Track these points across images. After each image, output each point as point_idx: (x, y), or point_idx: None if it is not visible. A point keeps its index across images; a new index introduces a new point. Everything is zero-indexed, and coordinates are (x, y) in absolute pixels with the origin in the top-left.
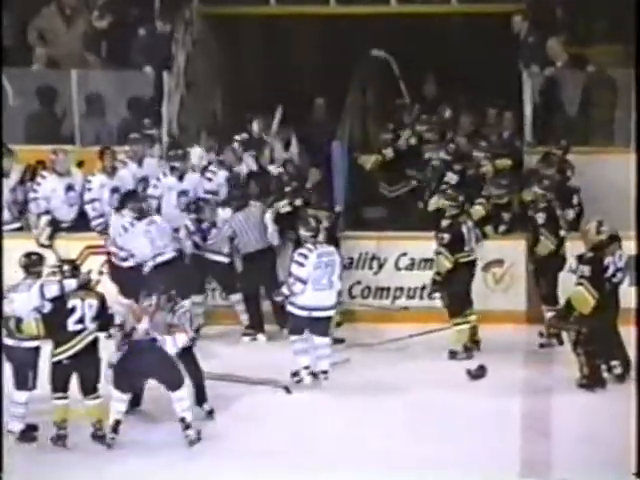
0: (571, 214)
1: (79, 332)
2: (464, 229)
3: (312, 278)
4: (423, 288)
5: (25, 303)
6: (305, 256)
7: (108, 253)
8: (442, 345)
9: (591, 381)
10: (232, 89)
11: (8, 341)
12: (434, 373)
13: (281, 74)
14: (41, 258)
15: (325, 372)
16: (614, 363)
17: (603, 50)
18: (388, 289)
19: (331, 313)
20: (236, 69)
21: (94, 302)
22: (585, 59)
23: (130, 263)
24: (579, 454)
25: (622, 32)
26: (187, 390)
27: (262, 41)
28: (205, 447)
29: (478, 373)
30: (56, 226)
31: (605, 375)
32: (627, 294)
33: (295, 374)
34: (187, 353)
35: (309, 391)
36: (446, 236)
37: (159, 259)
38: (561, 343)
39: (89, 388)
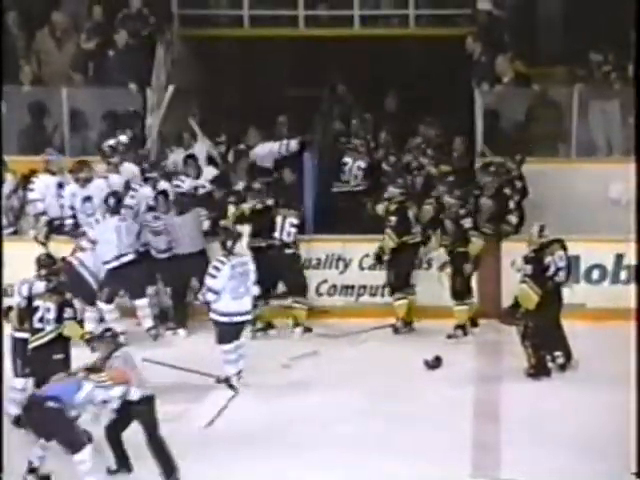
0: (513, 219)
1: (41, 329)
2: (410, 214)
3: (229, 288)
4: (384, 286)
5: (16, 297)
6: (217, 268)
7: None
8: (401, 338)
9: (537, 370)
10: (209, 104)
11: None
12: (394, 364)
13: (254, 91)
14: (50, 261)
15: (241, 371)
16: (557, 354)
17: (547, 71)
18: (353, 287)
19: (249, 317)
20: (213, 86)
21: (52, 306)
22: (529, 78)
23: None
24: (527, 437)
25: (566, 53)
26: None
27: (236, 61)
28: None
29: (435, 364)
30: (52, 226)
31: (550, 365)
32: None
33: (225, 379)
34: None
35: (278, 379)
36: (392, 219)
37: (123, 259)
38: (465, 334)
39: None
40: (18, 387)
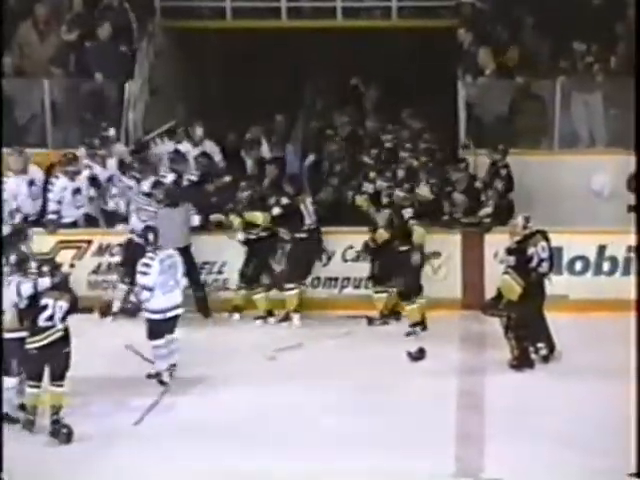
0: (488, 210)
1: (49, 327)
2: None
3: (159, 283)
4: (368, 278)
5: (6, 299)
6: (148, 265)
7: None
8: (385, 330)
9: (521, 362)
10: (192, 97)
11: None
12: (378, 355)
13: (237, 83)
14: (27, 257)
15: (174, 365)
16: (540, 345)
17: (529, 62)
18: (336, 279)
19: (181, 311)
20: (196, 78)
21: (64, 304)
22: (511, 70)
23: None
24: (510, 429)
25: (549, 45)
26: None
27: (219, 53)
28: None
29: (418, 355)
30: (27, 223)
31: (533, 356)
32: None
33: (156, 375)
34: None
35: (263, 370)
36: (387, 211)
37: None
38: (424, 329)
39: (56, 377)
40: (9, 386)
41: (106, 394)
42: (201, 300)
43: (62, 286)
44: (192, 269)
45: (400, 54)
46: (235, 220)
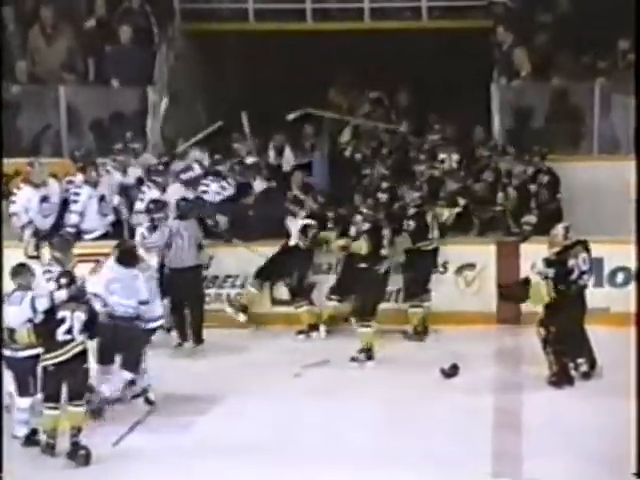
0: (532, 219)
1: (68, 342)
2: (428, 218)
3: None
4: (398, 291)
5: (18, 315)
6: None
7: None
8: (416, 345)
9: (560, 379)
10: (214, 102)
11: (6, 351)
12: (409, 372)
13: (260, 88)
14: (29, 270)
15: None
16: (581, 361)
17: (567, 63)
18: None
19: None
20: (217, 83)
21: (82, 315)
22: (548, 71)
23: None
24: (549, 449)
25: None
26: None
27: (241, 57)
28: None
29: (451, 372)
30: (40, 236)
31: (573, 373)
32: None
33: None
34: None
35: (289, 387)
36: (411, 223)
37: None
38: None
39: (75, 395)
40: (23, 407)
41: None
42: (197, 326)
43: (79, 298)
44: (195, 292)
45: (430, 56)
46: (334, 241)
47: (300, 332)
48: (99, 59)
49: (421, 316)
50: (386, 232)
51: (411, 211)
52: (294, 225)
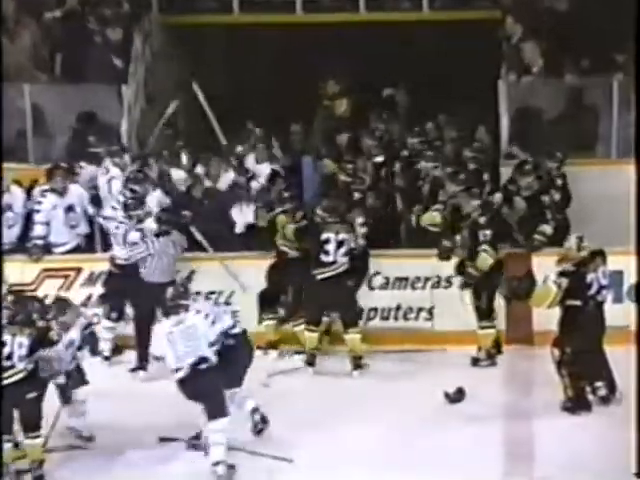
0: (548, 229)
1: (7, 368)
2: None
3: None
4: (398, 308)
5: None
6: None
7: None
8: (417, 367)
9: (576, 404)
10: (194, 102)
11: None
12: (412, 397)
13: (247, 86)
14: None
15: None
16: (599, 384)
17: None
18: (361, 311)
19: None
20: (199, 81)
21: (25, 341)
22: (562, 67)
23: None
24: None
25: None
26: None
27: (226, 52)
28: None
29: (457, 397)
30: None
31: (590, 397)
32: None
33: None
34: None
35: (287, 413)
36: (488, 232)
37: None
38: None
39: (28, 426)
40: None
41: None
42: None
43: (24, 320)
44: None
45: (432, 51)
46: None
47: (298, 352)
48: (68, 55)
49: (495, 337)
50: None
51: (482, 220)
52: (239, 215)
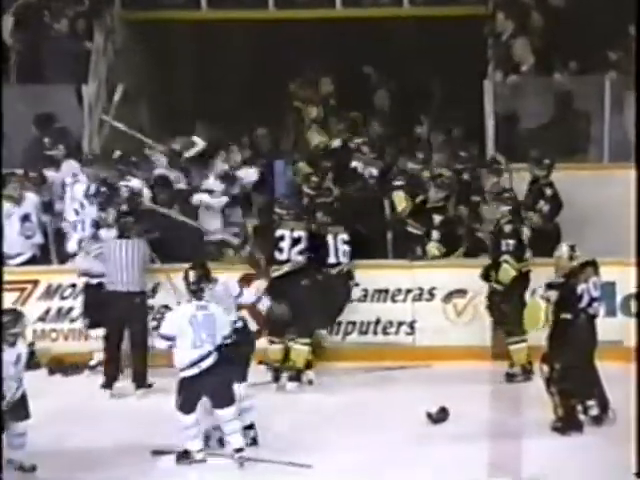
0: (527, 254)
1: None
2: (524, 235)
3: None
4: (377, 322)
5: None
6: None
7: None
8: (398, 385)
9: (566, 424)
10: (160, 103)
11: None
12: (392, 416)
13: (214, 86)
14: None
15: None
16: (591, 403)
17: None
18: (339, 324)
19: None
20: (165, 81)
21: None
22: (552, 65)
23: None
24: None
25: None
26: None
27: (193, 50)
28: None
29: (440, 416)
30: None
31: (581, 417)
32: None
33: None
34: None
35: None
36: (511, 242)
37: None
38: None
39: None
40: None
41: (54, 470)
42: (139, 365)
43: None
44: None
45: (413, 49)
46: None
47: (293, 378)
48: (23, 52)
49: (527, 351)
50: None
51: (507, 228)
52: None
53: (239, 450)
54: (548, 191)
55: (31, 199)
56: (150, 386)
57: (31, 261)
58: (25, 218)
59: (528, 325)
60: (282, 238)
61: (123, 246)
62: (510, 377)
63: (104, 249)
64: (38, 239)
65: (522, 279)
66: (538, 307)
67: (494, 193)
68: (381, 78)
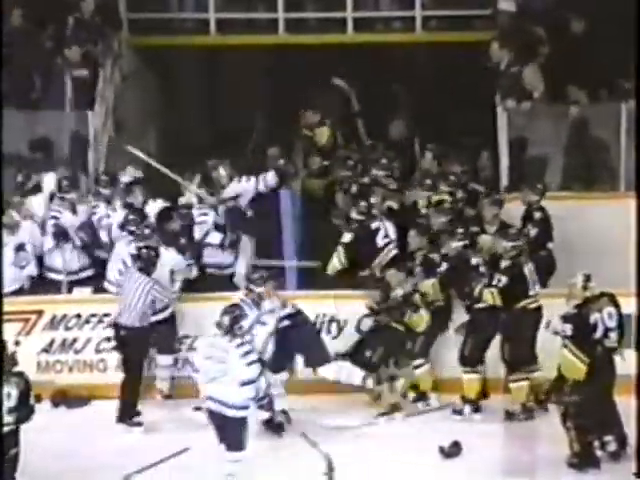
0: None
1: None
2: (526, 271)
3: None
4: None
5: None
6: None
7: None
8: (409, 418)
9: (583, 460)
10: (168, 130)
11: None
12: (402, 452)
13: (224, 113)
14: None
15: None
16: (608, 438)
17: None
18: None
19: None
20: (173, 107)
21: (13, 391)
22: (565, 92)
23: None
24: None
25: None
26: None
27: (202, 76)
28: None
29: (452, 451)
30: None
31: (598, 453)
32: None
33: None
34: None
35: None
36: (504, 279)
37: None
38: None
39: None
40: None
41: None
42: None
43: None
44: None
45: (425, 74)
46: None
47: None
48: (24, 76)
49: (528, 390)
50: None
51: (504, 263)
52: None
53: (284, 411)
54: (537, 214)
55: (26, 227)
56: (140, 424)
57: (18, 292)
58: (20, 247)
59: (570, 375)
60: None
61: (136, 279)
62: (509, 415)
63: (124, 276)
64: (31, 270)
65: (531, 316)
66: (567, 356)
67: (498, 228)
68: (395, 105)
